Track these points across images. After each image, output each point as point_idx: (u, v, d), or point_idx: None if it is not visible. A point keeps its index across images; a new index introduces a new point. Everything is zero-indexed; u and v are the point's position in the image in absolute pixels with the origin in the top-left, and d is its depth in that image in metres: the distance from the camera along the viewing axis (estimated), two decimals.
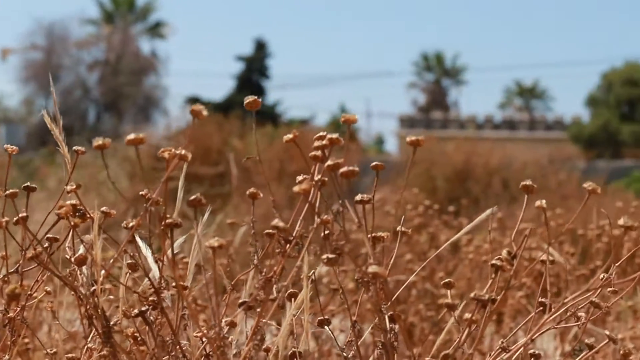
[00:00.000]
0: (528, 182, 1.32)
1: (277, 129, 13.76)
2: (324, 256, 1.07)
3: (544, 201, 1.44)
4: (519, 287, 2.76)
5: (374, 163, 1.35)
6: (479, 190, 11.81)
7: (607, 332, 1.40)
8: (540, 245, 3.49)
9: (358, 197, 1.19)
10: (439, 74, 50.07)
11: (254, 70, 40.31)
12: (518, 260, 3.17)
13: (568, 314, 1.30)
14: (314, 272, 1.25)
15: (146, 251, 1.26)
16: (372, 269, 0.96)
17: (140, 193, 1.23)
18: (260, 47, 40.54)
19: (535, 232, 3.32)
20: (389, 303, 1.07)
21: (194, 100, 39.57)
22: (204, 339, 1.20)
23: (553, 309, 1.27)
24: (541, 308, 1.29)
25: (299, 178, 1.20)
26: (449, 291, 1.31)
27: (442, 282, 1.42)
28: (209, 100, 39.68)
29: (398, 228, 1.38)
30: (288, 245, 1.16)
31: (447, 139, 14.70)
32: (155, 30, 39.73)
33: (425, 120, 40.48)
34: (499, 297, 1.18)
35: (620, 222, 1.25)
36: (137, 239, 1.26)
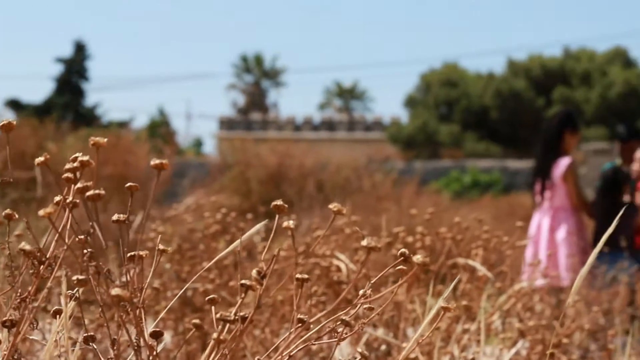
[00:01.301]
0: (279, 202, 1.36)
1: (93, 131, 13.46)
2: (74, 277, 1.09)
3: (336, 205, 1.42)
4: (309, 296, 2.83)
5: (155, 162, 1.34)
6: (293, 193, 11.92)
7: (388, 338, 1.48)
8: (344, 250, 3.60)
9: (114, 217, 1.21)
10: (258, 76, 50.64)
11: (74, 72, 39.79)
12: (310, 267, 3.25)
13: (327, 329, 1.36)
14: (77, 290, 1.26)
15: None
16: (114, 291, 0.99)
17: None
18: (80, 49, 40.07)
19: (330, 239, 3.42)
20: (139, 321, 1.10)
21: (13, 102, 38.22)
22: None
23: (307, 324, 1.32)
24: (300, 324, 1.34)
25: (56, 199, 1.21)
26: (212, 307, 1.35)
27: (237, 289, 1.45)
28: (28, 102, 38.55)
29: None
30: (42, 266, 1.17)
31: (266, 141, 14.76)
32: None
33: (245, 122, 40.99)
34: (249, 316, 1.22)
35: (364, 243, 1.29)
36: None
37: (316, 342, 1.35)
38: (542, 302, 4.60)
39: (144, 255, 1.26)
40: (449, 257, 3.05)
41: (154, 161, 1.34)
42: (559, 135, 6.63)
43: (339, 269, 3.26)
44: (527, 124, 31.64)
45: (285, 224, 1.44)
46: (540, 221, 6.62)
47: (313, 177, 12.17)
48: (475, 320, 2.80)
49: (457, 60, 53.68)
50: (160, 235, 1.65)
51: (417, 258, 1.27)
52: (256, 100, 49.49)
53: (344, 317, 1.31)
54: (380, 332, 3.02)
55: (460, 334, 2.77)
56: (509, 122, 32.22)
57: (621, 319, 5.09)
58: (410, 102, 36.75)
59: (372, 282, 1.38)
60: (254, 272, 1.24)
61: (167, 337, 3.30)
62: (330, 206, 1.29)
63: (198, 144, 43.08)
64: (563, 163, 6.53)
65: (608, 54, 34.18)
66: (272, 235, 1.44)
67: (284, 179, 12.23)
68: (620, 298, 5.15)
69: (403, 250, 1.31)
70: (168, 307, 1.67)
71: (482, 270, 2.87)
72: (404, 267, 1.29)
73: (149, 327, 1.31)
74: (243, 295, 1.21)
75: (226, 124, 40.34)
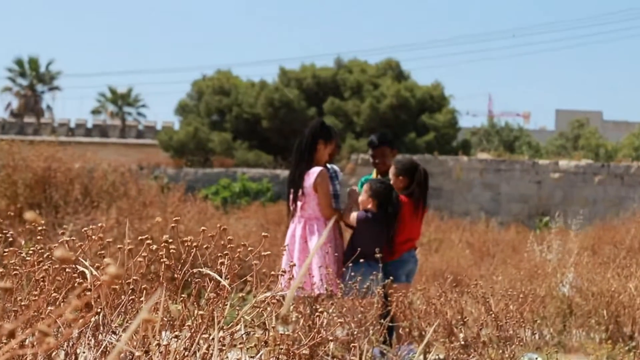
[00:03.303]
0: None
1: None
2: None
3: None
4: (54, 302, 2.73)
5: None
6: (59, 197, 11.67)
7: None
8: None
9: None
10: (33, 80, 49.57)
11: None
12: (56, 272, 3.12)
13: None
14: None
15: None
16: None
17: None
18: None
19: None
20: None
21: None
22: None
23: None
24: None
25: None
26: None
27: None
28: None
29: None
30: None
31: (39, 144, 14.29)
32: None
33: (19, 125, 40.79)
34: None
35: (57, 254, 1.25)
36: None
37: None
38: (295, 311, 4.68)
39: None
40: (194, 266, 3.04)
41: None
42: (312, 146, 6.74)
43: (83, 275, 3.17)
44: (298, 134, 32.32)
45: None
46: (294, 230, 6.71)
47: (80, 181, 11.88)
48: (218, 329, 2.80)
49: (231, 68, 53.98)
50: None
51: (110, 270, 1.24)
52: (30, 104, 48.21)
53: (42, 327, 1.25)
54: (123, 339, 2.96)
55: (202, 342, 2.75)
56: (280, 131, 32.73)
57: (374, 329, 5.28)
58: (183, 109, 36.54)
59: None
60: None
61: None
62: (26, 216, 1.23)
63: None
64: (313, 173, 6.62)
65: (380, 66, 35.33)
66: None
67: (51, 183, 11.92)
68: (375, 309, 5.32)
69: (109, 262, 1.27)
70: None
71: (220, 280, 2.87)
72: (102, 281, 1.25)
73: None
74: None
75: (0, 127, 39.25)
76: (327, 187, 6.64)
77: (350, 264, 6.00)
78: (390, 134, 7.65)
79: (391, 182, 6.89)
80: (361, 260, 5.99)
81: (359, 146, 30.17)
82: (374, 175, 7.42)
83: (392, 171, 6.98)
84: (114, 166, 13.11)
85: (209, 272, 2.87)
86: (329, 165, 7.15)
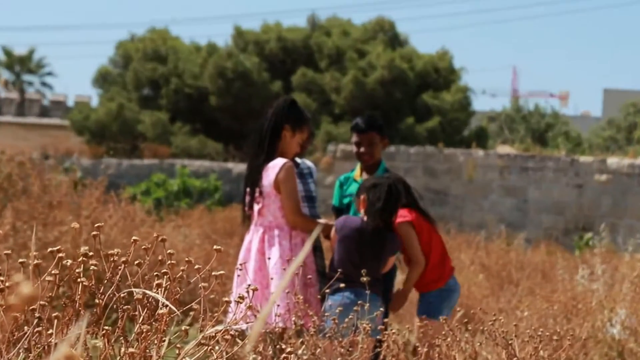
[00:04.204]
0: None
1: None
2: None
3: None
4: None
5: None
6: None
7: None
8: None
9: None
10: None
11: None
12: None
13: None
14: None
15: None
16: None
17: None
18: None
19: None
20: None
21: None
22: None
23: None
24: None
25: None
26: None
27: None
28: None
29: None
30: None
31: None
32: None
33: None
34: None
35: None
36: None
37: None
38: (253, 351, 4.69)
39: None
40: (120, 289, 3.03)
41: None
42: (276, 132, 6.73)
43: None
44: (258, 116, 32.26)
45: None
46: (250, 243, 6.70)
47: None
48: None
49: (169, 25, 53.86)
50: None
51: (22, 290, 1.23)
52: None
53: None
54: None
55: None
56: (234, 111, 32.71)
57: None
58: (103, 80, 36.40)
59: None
60: None
61: None
62: None
63: None
64: (274, 167, 6.59)
65: (368, 28, 35.26)
66: None
67: None
68: (359, 351, 5.31)
69: (18, 279, 1.27)
70: None
71: (160, 305, 2.87)
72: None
73: None
74: None
75: None
76: (292, 186, 6.60)
77: (328, 291, 6.02)
78: (380, 118, 7.67)
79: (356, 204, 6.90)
80: (341, 285, 6.01)
81: (339, 134, 30.23)
82: (357, 171, 7.45)
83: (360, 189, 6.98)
84: (10, 154, 13.04)
85: (147, 292, 2.87)
86: (299, 160, 7.15)
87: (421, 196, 7.27)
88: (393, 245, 6.69)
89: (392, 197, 6.67)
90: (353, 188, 7.31)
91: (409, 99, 32.91)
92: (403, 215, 6.89)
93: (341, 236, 6.62)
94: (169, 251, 3.28)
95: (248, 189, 6.72)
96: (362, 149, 7.31)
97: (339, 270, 6.04)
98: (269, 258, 6.49)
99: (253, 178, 6.65)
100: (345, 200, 7.43)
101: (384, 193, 6.67)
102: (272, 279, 6.33)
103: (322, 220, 6.88)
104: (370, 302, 5.92)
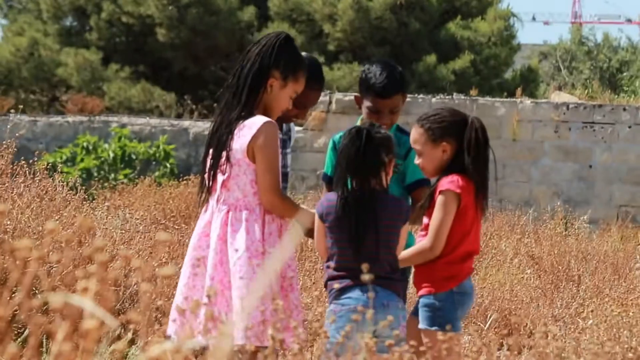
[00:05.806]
0: None
1: None
2: None
3: None
4: None
5: None
6: None
7: None
8: None
9: None
10: None
11: None
12: None
13: None
14: None
15: None
16: None
17: None
18: None
19: None
20: None
21: None
22: None
23: None
24: None
25: None
26: None
27: None
28: None
29: None
30: None
31: None
32: None
33: None
34: None
35: None
36: None
37: None
38: None
39: None
40: (34, 293, 3.06)
41: None
42: (259, 79, 6.66)
43: None
44: (223, 56, 32.28)
45: None
46: (209, 226, 6.63)
47: None
48: None
49: None
50: None
51: None
52: None
53: None
54: None
55: None
56: (191, 50, 32.70)
57: None
58: (8, 7, 36.37)
59: None
60: None
61: None
62: None
63: None
64: (251, 126, 6.54)
65: None
66: None
67: None
68: None
69: None
70: None
71: (93, 315, 2.91)
72: None
73: None
74: None
75: None
76: (274, 154, 6.52)
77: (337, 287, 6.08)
78: (398, 68, 7.61)
79: (417, 159, 6.89)
80: (338, 283, 6.06)
81: (333, 78, 30.18)
82: None
83: (417, 134, 6.96)
84: None
85: (70, 298, 2.90)
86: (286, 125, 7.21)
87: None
88: (394, 209, 6.58)
89: (360, 148, 6.57)
90: None
91: (429, 30, 32.93)
92: (455, 183, 6.74)
93: (330, 222, 6.55)
94: (100, 242, 3.31)
95: (211, 151, 6.64)
96: (380, 117, 7.21)
97: (339, 267, 6.11)
98: (237, 250, 6.42)
99: (220, 137, 6.54)
100: None
101: (345, 146, 6.57)
102: (241, 278, 6.31)
103: (305, 207, 6.86)
104: (389, 304, 5.97)
